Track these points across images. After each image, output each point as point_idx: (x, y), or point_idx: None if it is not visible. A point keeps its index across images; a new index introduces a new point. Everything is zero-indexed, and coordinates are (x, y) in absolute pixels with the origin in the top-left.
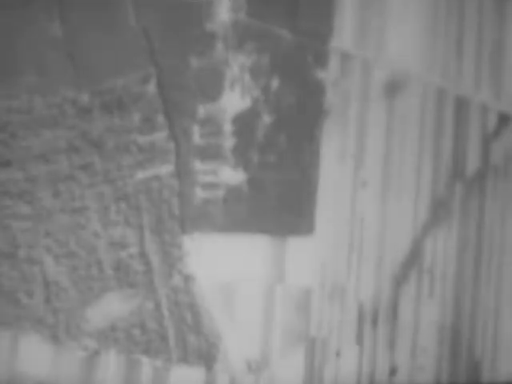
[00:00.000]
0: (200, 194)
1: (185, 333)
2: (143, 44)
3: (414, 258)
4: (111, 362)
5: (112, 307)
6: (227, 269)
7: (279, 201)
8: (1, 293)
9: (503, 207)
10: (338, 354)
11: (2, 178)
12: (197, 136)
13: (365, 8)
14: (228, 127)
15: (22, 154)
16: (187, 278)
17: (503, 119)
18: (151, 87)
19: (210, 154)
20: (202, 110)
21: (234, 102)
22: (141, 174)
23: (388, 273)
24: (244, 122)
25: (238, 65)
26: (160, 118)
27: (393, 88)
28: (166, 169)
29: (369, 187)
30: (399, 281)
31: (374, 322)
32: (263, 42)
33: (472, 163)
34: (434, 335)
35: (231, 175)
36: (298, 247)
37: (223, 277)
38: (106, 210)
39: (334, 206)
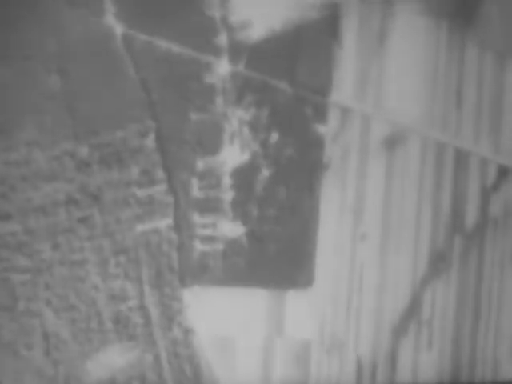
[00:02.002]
0: (199, 247)
1: None
2: (142, 98)
3: (413, 310)
4: None
5: (112, 359)
6: (227, 322)
7: (278, 254)
8: (0, 345)
9: (502, 260)
10: None
11: (0, 231)
12: (196, 189)
13: (364, 62)
14: (227, 181)
15: (21, 206)
16: (187, 331)
17: (502, 172)
18: (150, 141)
19: (209, 207)
20: (201, 164)
21: (233, 155)
22: (140, 227)
23: (387, 325)
24: (243, 176)
25: (237, 118)
26: (159, 172)
27: (392, 142)
28: (165, 222)
29: (368, 240)
30: (398, 333)
31: (373, 374)
32: (262, 96)
33: (471, 216)
34: None
35: (230, 228)
36: (297, 300)
37: (223, 330)
38: (105, 262)
39: (334, 259)
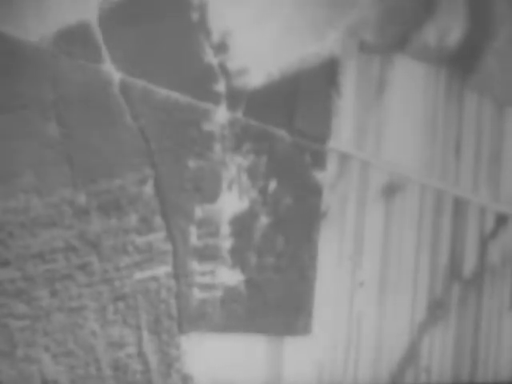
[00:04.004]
0: (197, 294)
1: None
2: (140, 145)
3: (411, 356)
4: None
5: None
6: (225, 369)
7: (277, 302)
8: None
9: (500, 307)
10: None
11: None
12: (194, 237)
13: (363, 110)
14: (225, 228)
15: (19, 253)
16: (185, 378)
17: (501, 220)
18: (148, 188)
19: (208, 254)
20: (199, 211)
21: (231, 203)
22: (138, 275)
23: (385, 372)
24: (241, 223)
25: (235, 166)
26: (157, 219)
27: (391, 190)
28: (163, 269)
29: (366, 288)
30: (396, 380)
31: None
32: (260, 143)
33: (469, 263)
34: None
35: (229, 276)
36: (295, 347)
37: (221, 377)
38: (103, 309)
39: (332, 307)
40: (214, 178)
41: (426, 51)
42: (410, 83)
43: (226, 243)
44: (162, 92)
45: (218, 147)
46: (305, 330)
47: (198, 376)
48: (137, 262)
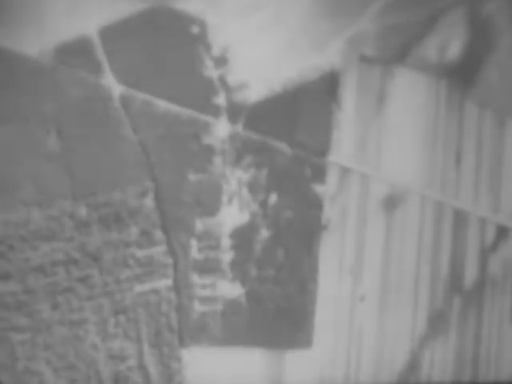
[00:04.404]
0: (198, 307)
1: None
2: (141, 158)
3: (411, 370)
4: None
5: None
6: (226, 382)
7: (277, 314)
8: None
9: (501, 320)
10: None
11: (0, 291)
12: (195, 250)
13: (363, 122)
14: (226, 241)
15: (20, 266)
16: None
17: (501, 232)
18: (149, 201)
19: (208, 267)
20: (200, 225)
21: (232, 216)
22: (139, 288)
23: None
24: (242, 237)
25: (236, 179)
26: (158, 232)
27: (391, 202)
28: (164, 282)
29: (367, 301)
30: None
31: None
32: (261, 157)
33: (470, 276)
34: None
35: (229, 289)
36: (296, 360)
37: None
38: (104, 322)
39: (333, 320)
40: (214, 192)
41: (426, 63)
42: (411, 95)
43: (227, 256)
44: (162, 105)
45: (218, 160)
46: (305, 343)
47: None
48: (137, 275)
